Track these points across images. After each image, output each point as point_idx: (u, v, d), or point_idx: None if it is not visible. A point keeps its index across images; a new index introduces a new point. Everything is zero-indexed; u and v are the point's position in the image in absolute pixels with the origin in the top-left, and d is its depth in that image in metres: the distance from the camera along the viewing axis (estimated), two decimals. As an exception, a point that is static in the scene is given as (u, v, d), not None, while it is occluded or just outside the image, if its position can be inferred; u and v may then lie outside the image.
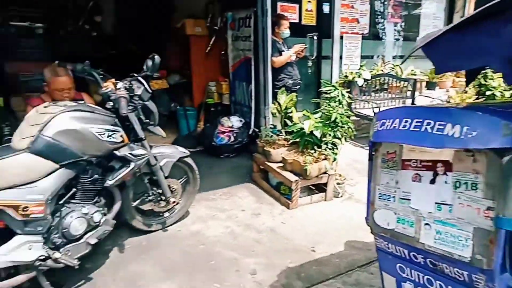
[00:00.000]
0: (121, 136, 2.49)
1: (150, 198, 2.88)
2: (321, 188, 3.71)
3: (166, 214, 3.09)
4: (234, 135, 4.79)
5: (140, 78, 2.71)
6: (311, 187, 3.76)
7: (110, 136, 2.40)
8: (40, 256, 2.13)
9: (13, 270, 2.13)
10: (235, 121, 4.89)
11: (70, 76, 2.77)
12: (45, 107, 2.29)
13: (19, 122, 2.34)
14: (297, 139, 3.73)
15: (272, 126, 4.48)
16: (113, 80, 2.63)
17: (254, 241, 2.95)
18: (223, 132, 4.79)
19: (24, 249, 2.10)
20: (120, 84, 2.58)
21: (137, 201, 2.89)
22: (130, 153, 2.52)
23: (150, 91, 2.73)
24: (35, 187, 2.11)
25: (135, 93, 2.63)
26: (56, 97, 2.74)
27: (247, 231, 3.10)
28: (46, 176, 2.16)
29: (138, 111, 2.68)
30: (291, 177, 3.49)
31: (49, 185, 2.17)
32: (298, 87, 4.66)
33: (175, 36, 5.98)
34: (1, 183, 2.00)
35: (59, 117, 2.21)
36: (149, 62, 2.73)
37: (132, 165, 2.52)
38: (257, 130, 4.66)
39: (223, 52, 5.49)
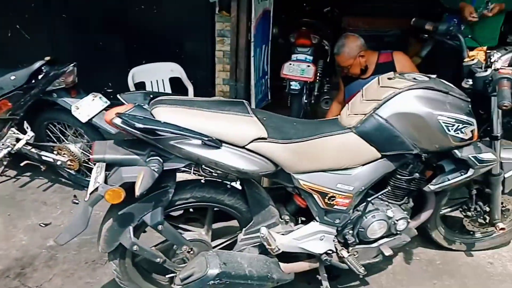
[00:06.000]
0: (472, 131, 1.67)
1: (468, 213, 2.07)
2: None
3: (478, 235, 2.23)
4: None
5: None
6: None
7: (459, 129, 1.63)
8: (328, 249, 1.78)
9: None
10: None
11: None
12: (389, 78, 1.69)
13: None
14: None
15: None
16: (483, 48, 1.76)
17: None
18: None
19: (316, 239, 1.77)
20: (496, 56, 1.67)
21: (447, 209, 2.14)
22: (475, 156, 1.69)
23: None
24: (349, 176, 1.66)
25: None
26: None
27: None
28: (363, 165, 1.67)
29: None
30: None
31: (364, 176, 1.68)
32: None
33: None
34: (317, 164, 1.63)
35: (402, 95, 1.59)
36: None
37: (470, 172, 1.72)
38: None
39: None
